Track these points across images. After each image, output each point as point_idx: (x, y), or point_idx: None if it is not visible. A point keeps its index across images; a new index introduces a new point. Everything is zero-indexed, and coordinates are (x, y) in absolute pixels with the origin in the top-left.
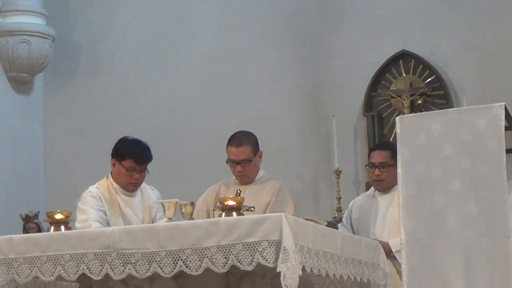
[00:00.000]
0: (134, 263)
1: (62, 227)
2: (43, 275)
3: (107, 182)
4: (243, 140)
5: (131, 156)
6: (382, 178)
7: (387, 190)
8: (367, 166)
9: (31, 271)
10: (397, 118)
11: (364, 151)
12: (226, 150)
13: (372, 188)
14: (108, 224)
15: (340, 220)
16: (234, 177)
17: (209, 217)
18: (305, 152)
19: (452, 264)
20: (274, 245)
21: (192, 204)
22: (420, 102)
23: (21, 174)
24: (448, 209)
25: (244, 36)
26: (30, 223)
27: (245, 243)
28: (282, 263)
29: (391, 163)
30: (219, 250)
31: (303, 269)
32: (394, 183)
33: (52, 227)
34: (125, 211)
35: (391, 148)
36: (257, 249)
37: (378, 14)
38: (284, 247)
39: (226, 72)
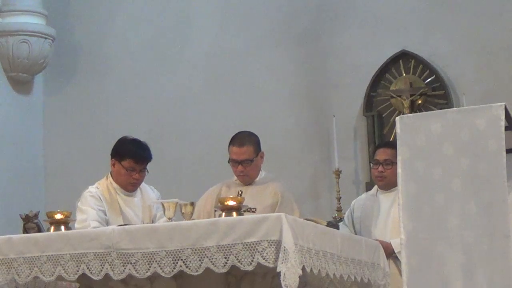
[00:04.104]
0: (134, 263)
1: (62, 227)
2: (43, 275)
3: (106, 182)
4: (246, 140)
5: (131, 156)
6: (385, 175)
7: (389, 188)
8: (371, 163)
9: (31, 271)
10: (397, 118)
11: (364, 151)
12: (228, 150)
13: (375, 188)
14: (107, 224)
15: (340, 220)
16: (236, 178)
17: (210, 218)
18: (305, 152)
19: (452, 264)
20: (274, 245)
21: (192, 204)
22: (420, 102)
23: (21, 174)
24: (448, 209)
25: (244, 36)
26: (30, 223)
27: (245, 243)
28: (282, 263)
29: (395, 161)
30: (219, 250)
31: (304, 270)
32: (396, 181)
33: (52, 227)
34: (125, 211)
35: (396, 147)
36: (257, 249)
37: (378, 14)
38: (284, 247)
39: (226, 72)
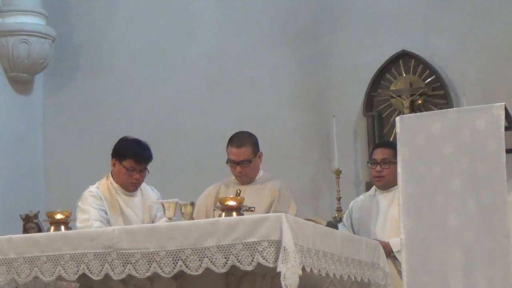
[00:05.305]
0: (134, 263)
1: (62, 227)
2: (43, 275)
3: (107, 182)
4: (244, 140)
5: (131, 156)
6: (383, 175)
7: (387, 187)
8: (369, 163)
9: (31, 271)
10: (397, 118)
11: (364, 151)
12: (226, 150)
13: (373, 188)
14: (109, 223)
15: (340, 220)
16: (234, 177)
17: (208, 217)
18: (305, 152)
19: (452, 264)
20: (274, 245)
21: (192, 204)
22: (420, 102)
23: (21, 174)
24: (448, 209)
25: (244, 36)
26: (30, 223)
27: (245, 243)
28: (282, 263)
29: (393, 160)
30: (219, 250)
31: (304, 270)
32: (395, 181)
33: (52, 227)
34: (125, 211)
35: (394, 147)
36: (257, 249)
37: (378, 14)
38: (284, 247)
39: (226, 72)
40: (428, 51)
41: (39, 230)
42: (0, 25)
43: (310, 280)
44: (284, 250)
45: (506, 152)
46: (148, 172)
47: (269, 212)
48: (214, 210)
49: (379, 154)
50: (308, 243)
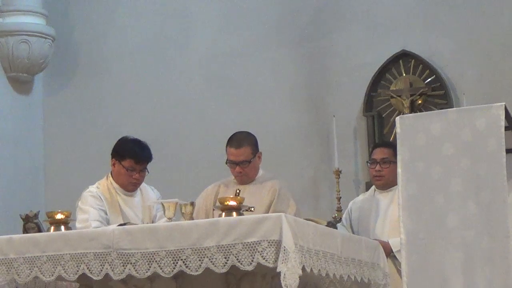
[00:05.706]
0: (134, 263)
1: (62, 227)
2: (43, 275)
3: (107, 182)
4: (243, 141)
5: (131, 156)
6: (383, 174)
7: (387, 187)
8: (368, 163)
9: (31, 271)
10: (397, 118)
11: (364, 151)
12: (225, 151)
13: (372, 188)
14: (108, 224)
15: (340, 220)
16: (234, 177)
17: (207, 217)
18: (305, 152)
19: (451, 264)
20: (274, 245)
21: (192, 204)
22: (420, 102)
23: (21, 174)
24: (448, 209)
25: (244, 36)
26: (30, 223)
27: (245, 243)
28: (282, 263)
29: (393, 160)
30: (219, 250)
31: (304, 270)
32: (394, 180)
33: (52, 227)
34: (125, 211)
35: (393, 146)
36: (257, 249)
37: (378, 14)
38: (284, 247)
39: (226, 72)
40: (428, 51)
41: (39, 230)
42: (0, 25)
43: (310, 280)
44: (284, 250)
45: (506, 152)
46: (148, 172)
47: (268, 212)
48: (213, 210)
49: (379, 153)
50: (308, 243)
